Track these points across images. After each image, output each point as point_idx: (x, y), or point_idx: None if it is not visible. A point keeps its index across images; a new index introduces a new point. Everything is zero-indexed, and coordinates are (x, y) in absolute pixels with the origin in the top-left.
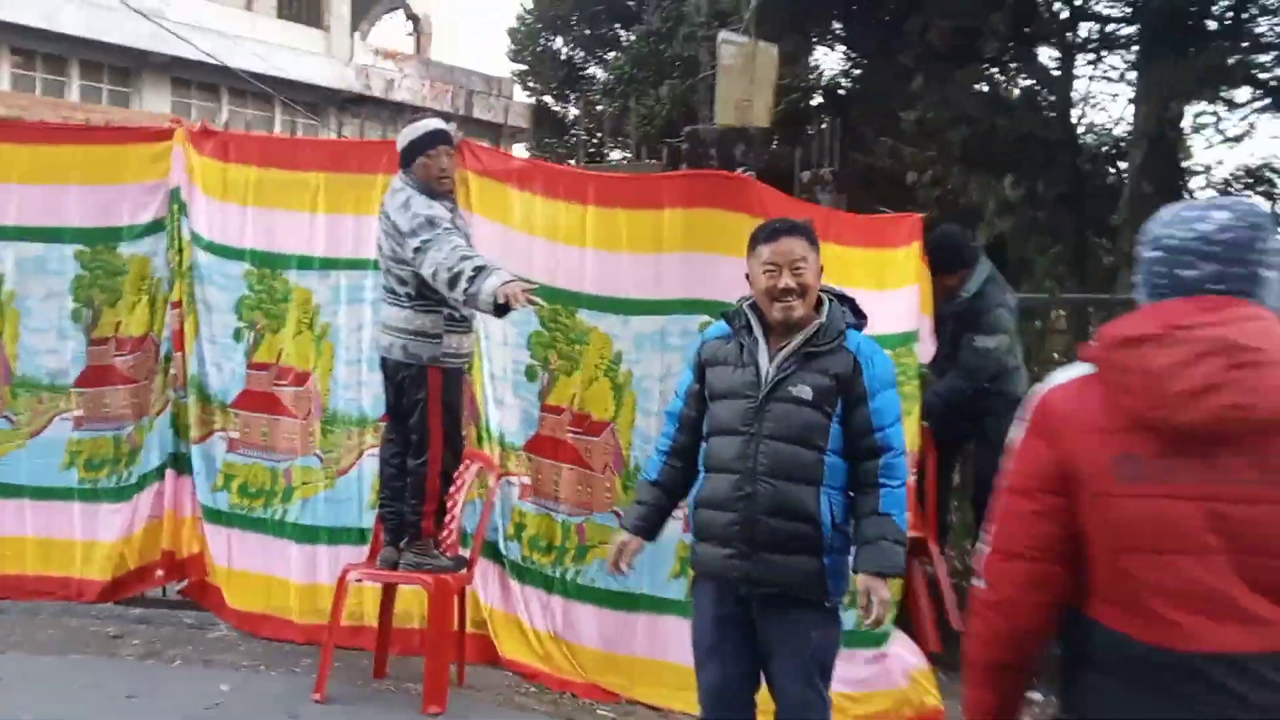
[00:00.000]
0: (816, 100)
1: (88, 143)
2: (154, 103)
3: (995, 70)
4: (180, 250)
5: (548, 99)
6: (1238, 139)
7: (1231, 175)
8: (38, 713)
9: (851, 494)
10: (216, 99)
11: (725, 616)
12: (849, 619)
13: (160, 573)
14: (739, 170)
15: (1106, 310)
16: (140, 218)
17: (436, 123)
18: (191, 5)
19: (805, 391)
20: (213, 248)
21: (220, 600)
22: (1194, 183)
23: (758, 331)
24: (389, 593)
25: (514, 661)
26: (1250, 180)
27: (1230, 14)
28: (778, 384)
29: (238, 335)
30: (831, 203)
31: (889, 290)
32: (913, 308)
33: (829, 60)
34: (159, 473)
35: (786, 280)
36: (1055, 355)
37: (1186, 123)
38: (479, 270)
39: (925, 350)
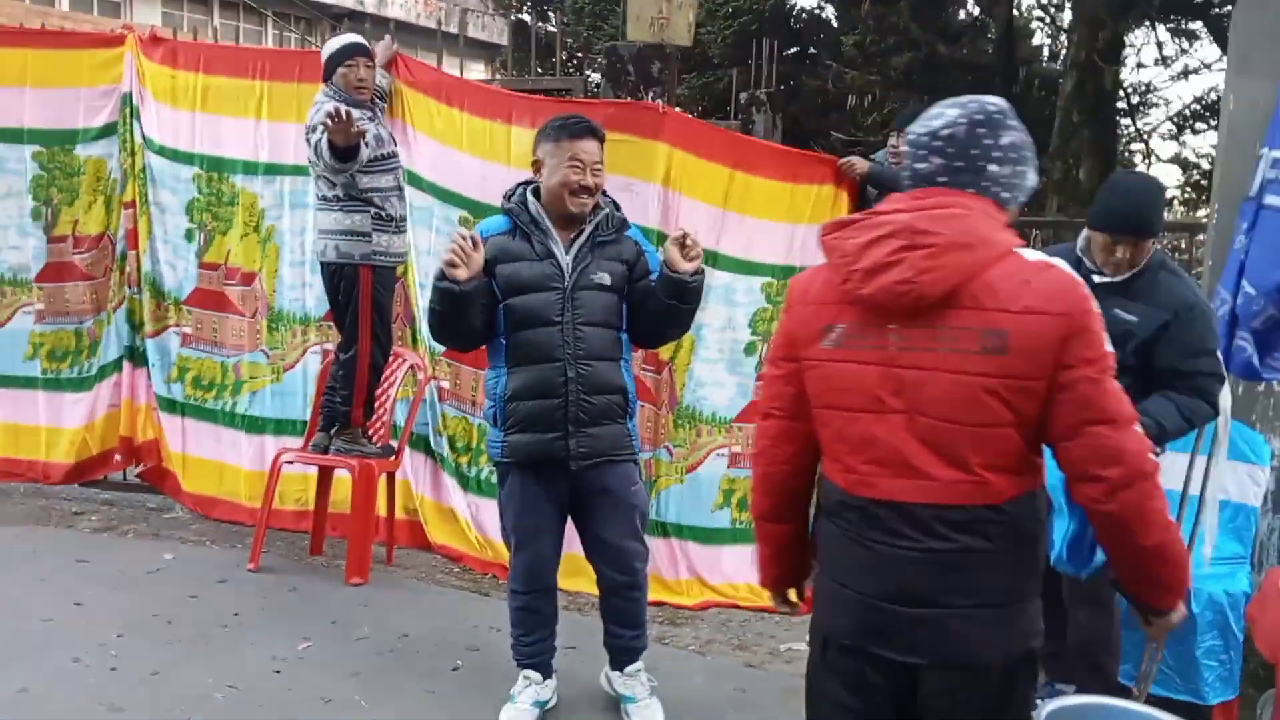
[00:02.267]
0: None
1: (42, 46)
2: (145, 14)
3: None
4: (133, 153)
5: (525, 17)
6: (1192, 72)
7: (1186, 107)
8: None
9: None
10: (208, 11)
11: (548, 498)
12: None
13: (118, 457)
14: (653, 87)
15: (1036, 231)
16: (94, 121)
17: (353, 36)
18: None
19: (605, 278)
20: (164, 151)
21: (176, 484)
22: (1155, 115)
23: (547, 224)
24: (325, 478)
25: (443, 545)
26: (1204, 111)
27: None
28: (580, 273)
29: (189, 235)
30: (766, 122)
31: (787, 223)
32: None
33: None
34: (117, 364)
35: (588, 178)
36: None
37: (1130, 56)
38: (315, 129)
39: None
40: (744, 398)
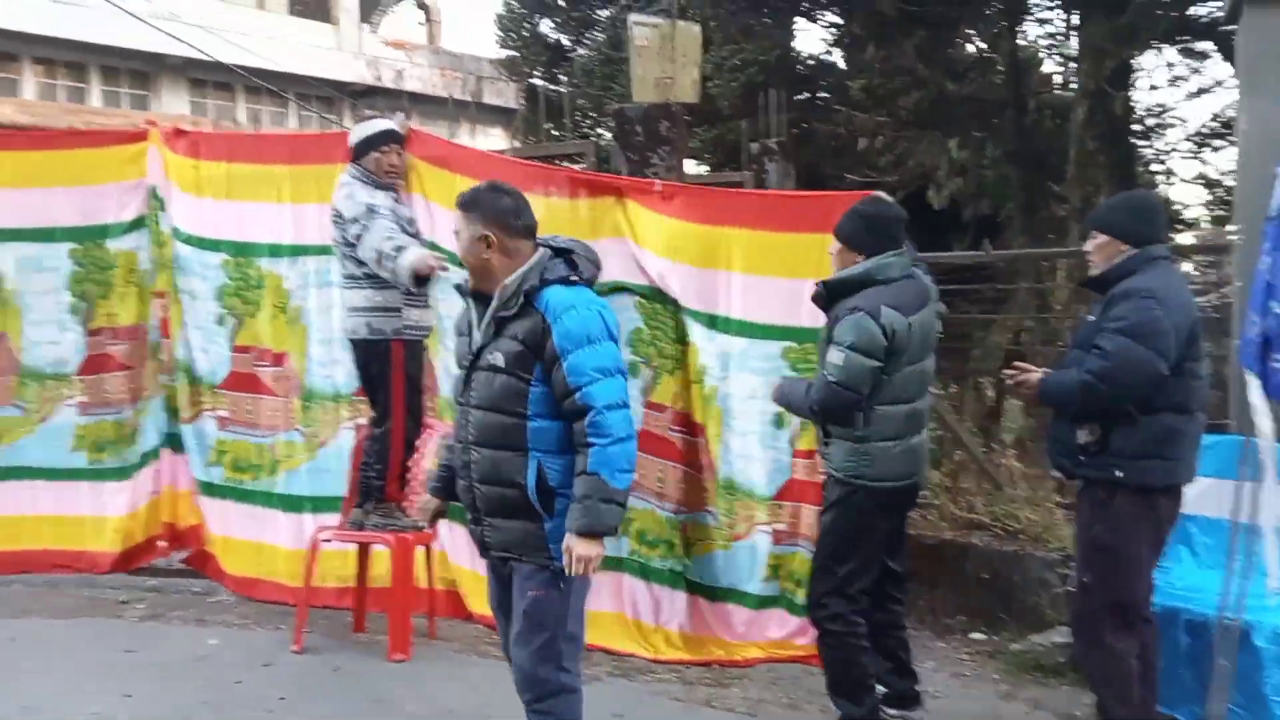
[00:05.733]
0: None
1: (70, 147)
2: (172, 104)
3: (943, 34)
4: (161, 244)
5: (538, 81)
6: (1205, 91)
7: (1204, 125)
8: (42, 665)
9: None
10: (232, 97)
11: (496, 580)
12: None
13: (163, 543)
14: (661, 147)
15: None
16: (124, 215)
17: (388, 122)
18: (205, 6)
19: (498, 358)
20: (191, 240)
21: (218, 567)
22: (1172, 135)
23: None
24: (364, 554)
25: (484, 615)
26: (1223, 128)
27: None
28: (479, 352)
29: (220, 320)
30: (780, 171)
31: (792, 279)
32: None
33: (805, 38)
34: (156, 452)
35: (463, 254)
36: None
37: (1139, 81)
38: (399, 249)
39: None
40: (781, 474)
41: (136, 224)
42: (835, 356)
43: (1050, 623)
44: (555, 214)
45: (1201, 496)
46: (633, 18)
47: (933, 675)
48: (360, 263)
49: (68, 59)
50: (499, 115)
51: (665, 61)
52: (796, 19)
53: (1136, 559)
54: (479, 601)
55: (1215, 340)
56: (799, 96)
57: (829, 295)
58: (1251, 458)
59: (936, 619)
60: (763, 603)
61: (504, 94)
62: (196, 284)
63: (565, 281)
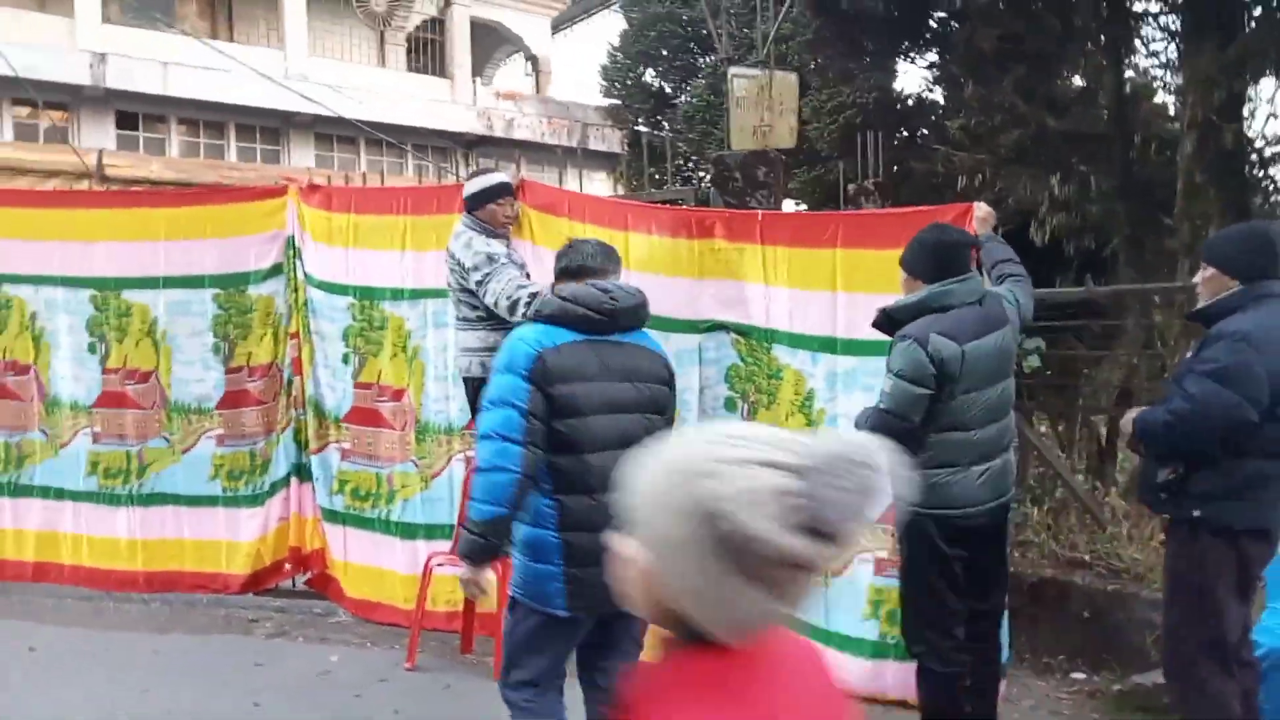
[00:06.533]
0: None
1: (217, 203)
2: (300, 158)
3: (1043, 69)
4: (296, 289)
5: (641, 128)
6: None
7: None
8: (182, 677)
9: None
10: (355, 150)
11: None
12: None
13: (289, 566)
14: (759, 191)
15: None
16: (263, 263)
17: (503, 176)
18: (332, 67)
19: None
20: (323, 285)
21: (339, 590)
22: None
23: None
24: None
25: None
26: None
27: None
28: None
29: (346, 359)
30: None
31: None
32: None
33: (905, 79)
34: (285, 480)
35: None
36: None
37: (1247, 110)
38: (533, 295)
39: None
40: (885, 499)
41: (274, 271)
42: (886, 384)
43: (1153, 663)
44: (657, 252)
45: None
46: (732, 70)
47: (1030, 714)
48: (475, 306)
49: (210, 119)
50: (604, 161)
51: (763, 110)
52: (896, 60)
53: (1220, 599)
54: None
55: None
56: (898, 136)
57: (890, 324)
58: None
59: (1036, 658)
60: (875, 650)
61: (609, 140)
62: (325, 325)
63: (536, 316)
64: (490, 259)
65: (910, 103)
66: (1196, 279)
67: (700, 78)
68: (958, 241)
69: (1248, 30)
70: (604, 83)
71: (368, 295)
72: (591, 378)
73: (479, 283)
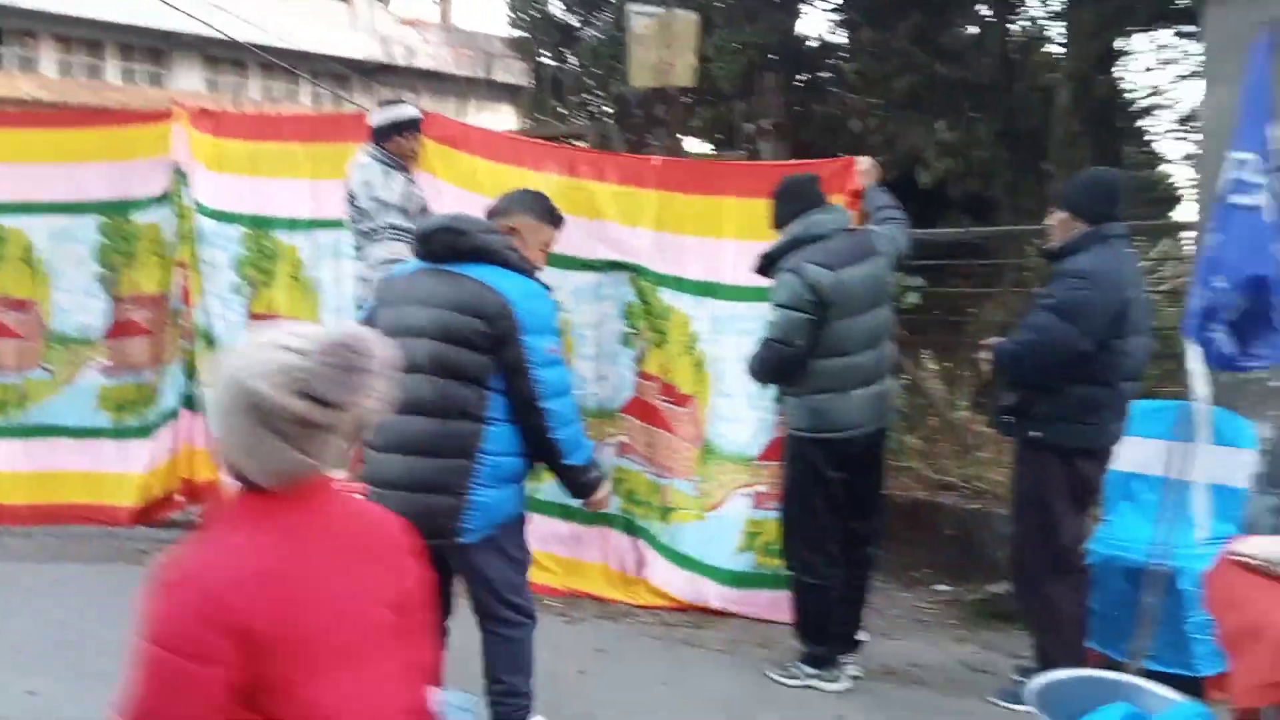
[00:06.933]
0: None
1: (100, 125)
2: (187, 81)
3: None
4: (183, 217)
5: (548, 60)
6: (1197, 74)
7: (1193, 108)
8: (85, 603)
9: None
10: (246, 74)
11: None
12: None
13: (180, 498)
14: (658, 128)
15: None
16: (150, 190)
17: (413, 109)
18: None
19: None
20: (214, 214)
21: None
22: (1166, 116)
23: None
24: None
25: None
26: None
27: None
28: None
29: (237, 290)
30: (773, 151)
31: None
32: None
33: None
34: (174, 412)
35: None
36: None
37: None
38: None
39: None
40: (765, 434)
41: (161, 198)
42: (771, 315)
43: (1006, 574)
44: (555, 191)
45: (1146, 456)
46: (631, 6)
47: (895, 621)
48: (364, 232)
49: (85, 36)
50: (508, 93)
51: (663, 48)
52: (800, 3)
53: (1057, 512)
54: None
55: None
56: (801, 78)
57: (771, 266)
58: (1187, 419)
59: (906, 572)
60: (739, 580)
61: (514, 72)
62: (216, 255)
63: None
64: (384, 207)
65: (814, 45)
66: (1050, 220)
67: (607, 12)
68: (802, 178)
69: None
70: (510, 13)
71: (261, 224)
72: (393, 303)
73: (364, 233)
